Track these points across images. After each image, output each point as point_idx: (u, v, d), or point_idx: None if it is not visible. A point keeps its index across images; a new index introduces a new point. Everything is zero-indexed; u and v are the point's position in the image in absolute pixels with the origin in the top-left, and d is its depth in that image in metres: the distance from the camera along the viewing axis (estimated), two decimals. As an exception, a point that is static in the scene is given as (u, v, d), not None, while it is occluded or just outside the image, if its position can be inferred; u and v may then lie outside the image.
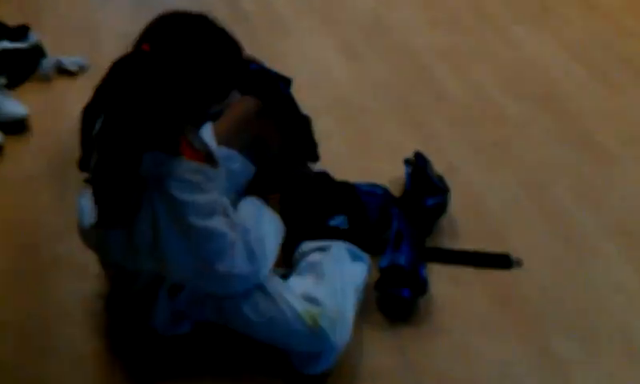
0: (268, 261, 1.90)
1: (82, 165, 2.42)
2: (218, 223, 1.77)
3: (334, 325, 1.84)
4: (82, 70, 3.08)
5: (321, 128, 2.43)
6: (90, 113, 2.47)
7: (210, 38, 1.69)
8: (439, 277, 2.24)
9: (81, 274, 2.17)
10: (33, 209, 2.41)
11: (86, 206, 1.89)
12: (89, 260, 2.16)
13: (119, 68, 1.61)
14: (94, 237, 1.87)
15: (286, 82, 2.27)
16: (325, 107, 2.92)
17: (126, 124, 1.63)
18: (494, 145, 2.82)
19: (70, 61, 3.07)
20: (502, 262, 2.30)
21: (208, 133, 2.02)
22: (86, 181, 2.38)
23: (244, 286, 1.86)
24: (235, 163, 2.05)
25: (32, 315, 2.06)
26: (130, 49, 1.65)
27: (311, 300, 1.89)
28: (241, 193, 2.10)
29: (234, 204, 1.96)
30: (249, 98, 2.18)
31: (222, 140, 2.08)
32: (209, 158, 1.82)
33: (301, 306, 1.86)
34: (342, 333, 1.87)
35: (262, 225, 1.96)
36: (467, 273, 2.27)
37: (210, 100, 1.74)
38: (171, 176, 1.70)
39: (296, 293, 1.91)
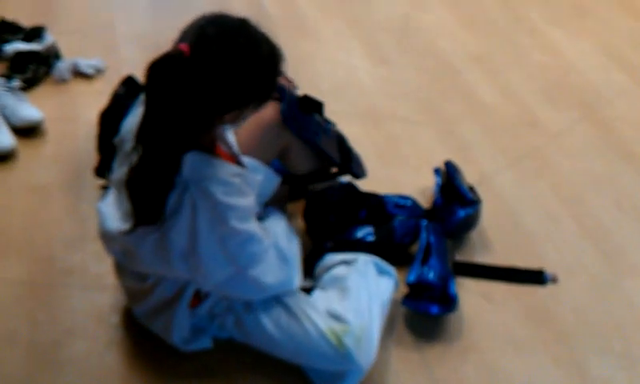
0: (298, 269, 1.93)
1: (99, 171, 2.47)
2: (256, 228, 1.80)
3: (359, 344, 1.85)
4: (98, 72, 3.11)
5: (347, 135, 2.43)
6: (107, 117, 2.51)
7: (251, 43, 1.71)
8: (469, 293, 2.24)
9: (95, 286, 2.19)
10: (46, 218, 2.43)
11: (108, 211, 1.91)
12: (104, 271, 2.19)
13: (158, 69, 1.63)
14: (119, 242, 1.89)
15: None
16: (351, 114, 2.93)
17: (167, 124, 1.65)
18: (528, 154, 2.82)
19: (86, 63, 3.11)
20: (536, 278, 2.30)
21: (231, 140, 2.04)
22: (103, 187, 2.43)
23: (274, 292, 1.89)
24: (258, 175, 2.07)
25: (43, 328, 2.08)
26: (168, 50, 1.66)
27: (336, 317, 1.89)
28: (263, 204, 2.12)
29: (258, 216, 1.98)
30: (274, 104, 2.19)
31: (245, 149, 2.08)
32: (238, 160, 1.84)
33: (325, 324, 1.87)
34: (367, 353, 1.87)
35: (291, 235, 2.00)
36: (499, 289, 2.27)
37: (246, 105, 1.76)
38: (215, 178, 1.72)
39: (319, 309, 1.92)
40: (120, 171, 1.88)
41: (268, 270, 1.84)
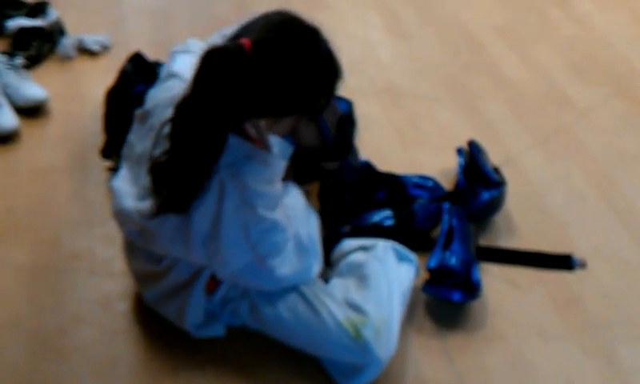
0: (318, 255, 1.95)
1: (106, 152, 2.48)
2: (281, 217, 1.82)
3: (378, 336, 1.86)
4: (105, 49, 3.13)
5: (365, 114, 2.43)
6: (114, 96, 2.52)
7: (314, 56, 1.72)
8: (493, 279, 2.24)
9: (102, 271, 2.21)
10: (51, 200, 2.45)
11: (123, 188, 1.92)
12: (111, 256, 2.21)
13: (216, 59, 1.64)
14: (136, 222, 1.90)
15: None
16: (369, 91, 2.93)
17: (212, 116, 1.66)
18: (556, 133, 2.81)
19: (91, 39, 3.12)
20: (564, 263, 2.30)
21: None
22: (110, 169, 2.44)
23: (290, 283, 1.91)
24: (282, 159, 2.09)
25: (48, 314, 2.10)
26: (229, 42, 1.67)
27: (354, 307, 1.90)
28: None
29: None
30: None
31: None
32: (266, 144, 1.86)
33: (342, 314, 1.88)
34: (386, 345, 1.88)
35: (310, 218, 2.01)
36: (525, 275, 2.27)
37: (290, 114, 1.80)
38: (247, 164, 1.75)
39: (337, 298, 1.93)
40: (142, 145, 1.89)
41: (285, 262, 1.86)
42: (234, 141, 1.74)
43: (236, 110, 1.68)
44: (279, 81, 1.68)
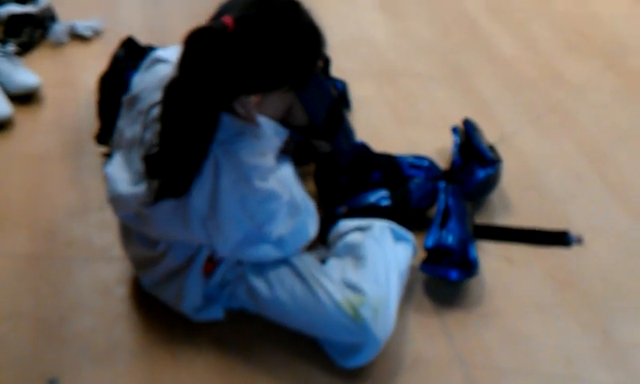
0: (314, 215, 1.98)
1: (100, 138, 2.48)
2: (275, 184, 1.85)
3: (376, 315, 1.86)
4: (97, 34, 3.12)
5: (360, 94, 2.44)
6: (107, 82, 2.52)
7: (297, 28, 1.73)
8: (490, 256, 2.26)
9: (100, 257, 2.22)
10: (46, 188, 2.45)
11: (116, 174, 1.93)
12: (108, 242, 2.21)
13: (199, 40, 1.64)
14: (132, 207, 1.90)
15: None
16: (364, 72, 2.93)
17: (201, 95, 1.67)
18: (551, 110, 2.81)
19: (83, 25, 3.11)
20: (561, 239, 2.31)
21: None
22: (105, 155, 2.45)
23: (292, 247, 1.93)
24: (275, 136, 2.09)
25: (48, 302, 2.10)
26: (210, 21, 1.68)
27: (351, 287, 1.90)
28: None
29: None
30: None
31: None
32: (254, 120, 1.87)
33: (340, 294, 1.88)
34: (384, 324, 1.88)
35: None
36: (522, 252, 2.29)
37: (279, 87, 1.80)
38: (239, 139, 1.78)
39: (334, 278, 1.93)
40: (131, 130, 1.90)
41: (279, 223, 1.88)
42: (225, 119, 1.76)
43: (224, 87, 1.69)
44: (264, 55, 1.68)
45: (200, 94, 1.67)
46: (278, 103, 2.14)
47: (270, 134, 1.94)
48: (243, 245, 1.87)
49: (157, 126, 1.75)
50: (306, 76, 1.85)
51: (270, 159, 1.87)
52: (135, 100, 1.92)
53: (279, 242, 1.89)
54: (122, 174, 1.92)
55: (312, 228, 1.98)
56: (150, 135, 1.77)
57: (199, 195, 1.77)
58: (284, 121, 2.21)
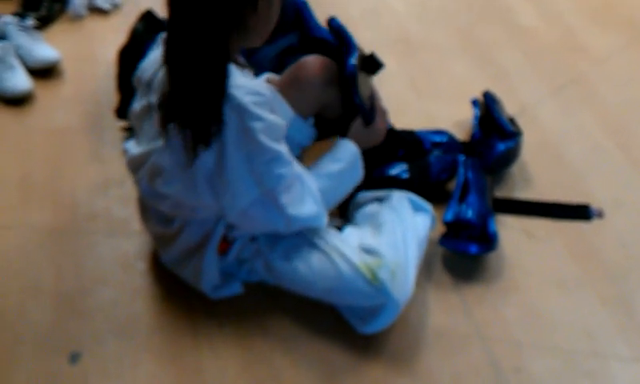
0: (325, 210, 1.96)
1: (120, 112, 2.50)
2: (284, 149, 1.82)
3: (394, 277, 1.87)
4: (115, 7, 3.13)
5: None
6: (126, 55, 2.53)
7: None
8: (510, 230, 2.25)
9: (121, 231, 2.24)
10: (67, 162, 2.47)
11: (132, 147, 1.96)
12: (128, 216, 2.23)
13: None
14: (147, 165, 1.91)
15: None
16: (382, 43, 2.91)
17: (197, 31, 1.67)
18: (572, 82, 2.79)
19: (102, -2, 3.12)
20: (581, 213, 2.30)
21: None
22: (125, 129, 2.46)
23: (301, 226, 1.92)
24: (292, 126, 2.09)
25: (69, 276, 2.13)
26: None
27: (369, 251, 1.91)
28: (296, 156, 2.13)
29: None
30: (320, 58, 2.19)
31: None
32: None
33: (357, 258, 1.89)
34: (403, 286, 1.88)
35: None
36: (542, 226, 2.28)
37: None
38: (244, 87, 1.73)
39: (352, 244, 1.94)
40: (140, 103, 1.92)
41: (297, 203, 1.86)
42: (229, 67, 1.72)
43: (218, 20, 1.67)
44: None
45: (197, 33, 1.66)
46: (311, 101, 2.15)
47: (285, 103, 1.90)
48: (253, 209, 1.84)
49: (164, 86, 1.75)
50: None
51: (280, 120, 1.81)
52: (142, 77, 1.93)
53: (291, 218, 1.87)
54: (137, 148, 1.93)
55: (324, 220, 1.95)
56: (157, 95, 1.78)
57: (206, 151, 1.76)
58: (318, 115, 2.21)
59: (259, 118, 1.74)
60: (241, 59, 1.91)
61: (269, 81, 2.19)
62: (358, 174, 2.07)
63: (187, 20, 1.67)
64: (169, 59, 1.72)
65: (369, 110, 2.10)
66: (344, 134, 2.10)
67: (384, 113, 2.17)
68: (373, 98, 2.15)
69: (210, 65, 1.69)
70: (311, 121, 2.20)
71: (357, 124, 2.10)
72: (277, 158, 1.80)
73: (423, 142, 2.33)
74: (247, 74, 1.79)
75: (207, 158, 1.76)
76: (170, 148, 1.80)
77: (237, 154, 1.75)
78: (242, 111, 1.72)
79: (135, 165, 1.97)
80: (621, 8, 3.15)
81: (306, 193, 1.89)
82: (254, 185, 1.80)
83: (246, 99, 1.72)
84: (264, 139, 1.75)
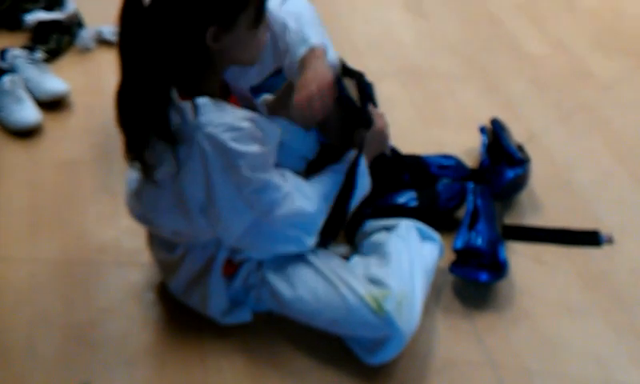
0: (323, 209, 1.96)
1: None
2: (271, 175, 1.83)
3: (400, 309, 1.86)
4: (123, 39, 3.14)
5: (385, 94, 2.43)
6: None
7: None
8: (520, 257, 2.25)
9: (129, 262, 2.23)
10: (76, 193, 2.47)
11: (131, 176, 1.96)
12: (137, 247, 2.22)
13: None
14: (138, 204, 1.93)
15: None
16: (389, 71, 2.93)
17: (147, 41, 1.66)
18: (580, 108, 2.80)
19: (110, 30, 3.13)
20: (591, 239, 2.30)
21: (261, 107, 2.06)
22: (131, 160, 2.46)
23: (307, 229, 1.93)
24: (295, 138, 2.08)
25: (78, 307, 2.12)
26: None
27: (375, 281, 1.91)
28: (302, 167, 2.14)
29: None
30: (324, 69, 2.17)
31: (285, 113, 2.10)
32: (253, 107, 1.85)
33: (363, 289, 1.88)
34: (409, 318, 1.87)
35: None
36: (552, 252, 2.27)
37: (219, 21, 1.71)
38: (222, 124, 1.72)
39: (358, 274, 1.94)
40: None
41: (294, 207, 1.87)
42: (203, 102, 1.72)
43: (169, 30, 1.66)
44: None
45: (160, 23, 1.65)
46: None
47: (273, 125, 1.88)
48: (250, 235, 1.86)
49: None
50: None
51: (264, 148, 1.79)
52: None
53: (279, 220, 1.87)
54: (133, 174, 1.93)
55: (319, 221, 1.95)
56: None
57: (194, 183, 1.76)
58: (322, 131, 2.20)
59: (241, 155, 1.73)
60: (245, 91, 1.90)
61: (265, 101, 2.19)
62: (364, 180, 2.06)
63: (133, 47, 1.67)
64: (121, 87, 1.74)
65: (363, 109, 2.09)
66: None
67: (380, 115, 2.16)
68: (365, 101, 2.14)
69: (147, 97, 1.70)
70: (314, 133, 2.19)
71: (360, 132, 2.09)
72: (265, 186, 1.81)
73: (429, 166, 2.33)
74: (224, 107, 1.75)
75: (196, 190, 1.78)
76: (153, 192, 1.82)
77: (225, 187, 1.76)
78: (223, 150, 1.71)
79: (131, 204, 1.99)
80: (626, 34, 3.16)
81: (301, 196, 1.90)
82: (246, 211, 1.82)
83: (225, 137, 1.71)
84: (249, 173, 1.76)
